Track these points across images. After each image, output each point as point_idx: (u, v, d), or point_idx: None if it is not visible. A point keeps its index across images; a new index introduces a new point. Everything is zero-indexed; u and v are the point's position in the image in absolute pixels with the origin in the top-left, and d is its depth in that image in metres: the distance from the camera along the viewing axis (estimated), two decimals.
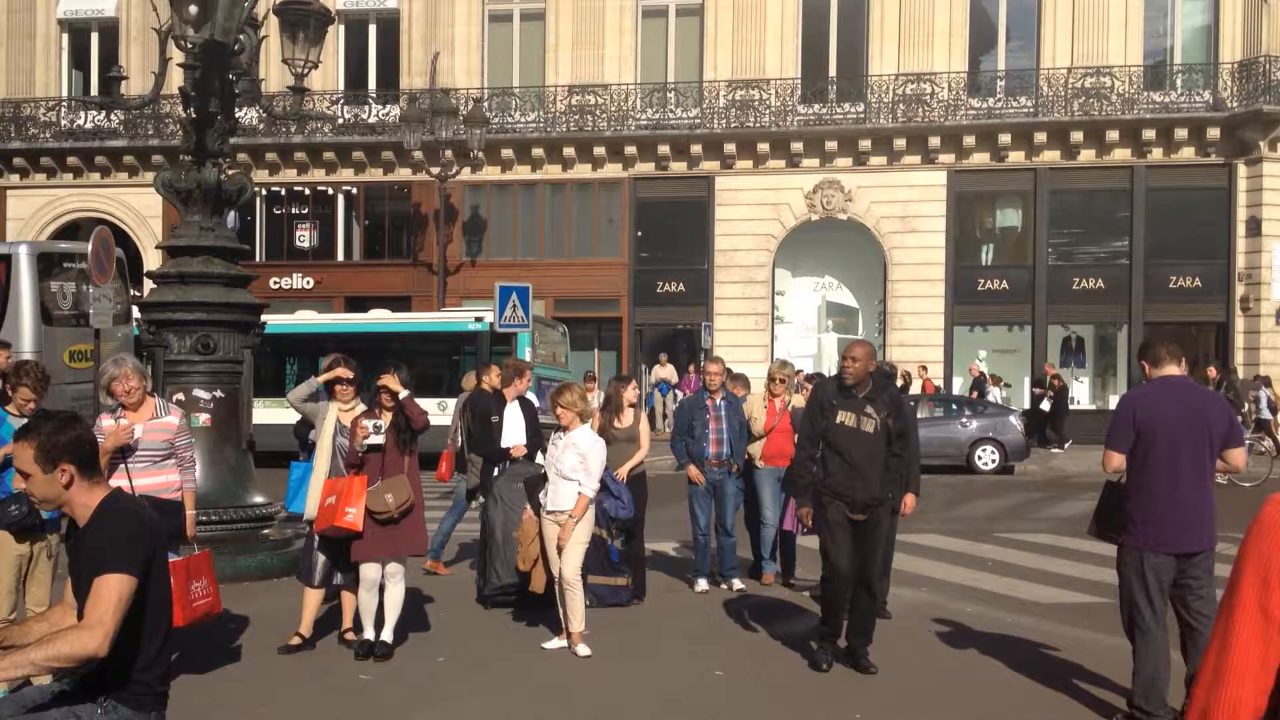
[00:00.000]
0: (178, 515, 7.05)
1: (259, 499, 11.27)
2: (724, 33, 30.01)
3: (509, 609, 9.33)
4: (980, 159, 29.28)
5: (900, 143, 29.16)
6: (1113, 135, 28.36)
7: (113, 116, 31.18)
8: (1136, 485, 6.41)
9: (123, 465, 6.94)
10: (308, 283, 31.36)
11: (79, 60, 32.87)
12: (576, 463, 8.06)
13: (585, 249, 30.93)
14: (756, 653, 8.22)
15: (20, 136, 31.87)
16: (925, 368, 27.71)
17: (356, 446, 7.80)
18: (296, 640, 8.03)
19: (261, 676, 7.44)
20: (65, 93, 32.77)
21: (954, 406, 23.88)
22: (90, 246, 13.34)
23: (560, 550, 8.09)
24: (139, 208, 31.66)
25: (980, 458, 22.34)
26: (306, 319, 25.17)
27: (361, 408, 8.15)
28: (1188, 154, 28.55)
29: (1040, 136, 28.66)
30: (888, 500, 7.72)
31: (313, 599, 8.17)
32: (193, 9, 10.44)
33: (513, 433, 10.28)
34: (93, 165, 31.96)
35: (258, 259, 29.98)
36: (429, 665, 7.77)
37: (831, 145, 29.41)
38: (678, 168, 30.26)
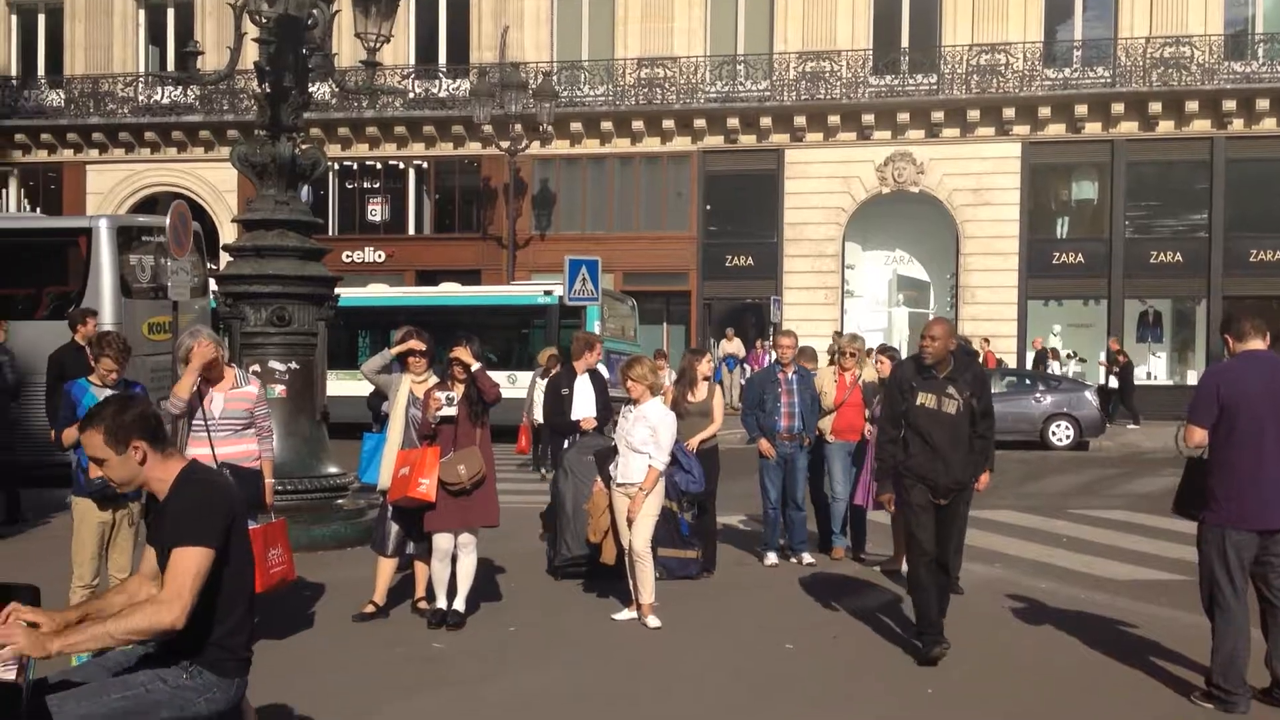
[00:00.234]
0: (257, 484, 7.15)
1: (333, 469, 11.41)
2: (794, 4, 29.75)
3: (579, 580, 9.38)
4: (1056, 130, 28.82)
5: (974, 114, 28.76)
6: (1192, 106, 27.78)
7: (189, 92, 31.59)
8: (1219, 461, 6.29)
9: (205, 434, 7.04)
10: (379, 256, 31.66)
11: (156, 36, 33.31)
12: (647, 435, 8.06)
13: (654, 223, 30.90)
14: (827, 626, 8.19)
15: (99, 112, 32.41)
16: (988, 340, 27.30)
17: (429, 418, 7.86)
18: (370, 608, 8.14)
19: (337, 643, 7.55)
20: (143, 69, 33.25)
21: (1028, 381, 23.54)
22: (168, 220, 13.53)
23: (630, 522, 8.11)
24: (215, 182, 32.11)
25: (1054, 433, 22.04)
26: (378, 292, 25.39)
27: (434, 380, 8.20)
28: (1269, 125, 27.91)
29: (1118, 107, 28.13)
30: (970, 485, 7.50)
31: (386, 568, 8.26)
32: None
33: (582, 405, 10.31)
34: (169, 140, 32.44)
35: (330, 233, 30.28)
36: (500, 635, 7.83)
37: (903, 117, 29.10)
38: (747, 141, 30.09)
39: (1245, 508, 6.20)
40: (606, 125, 30.36)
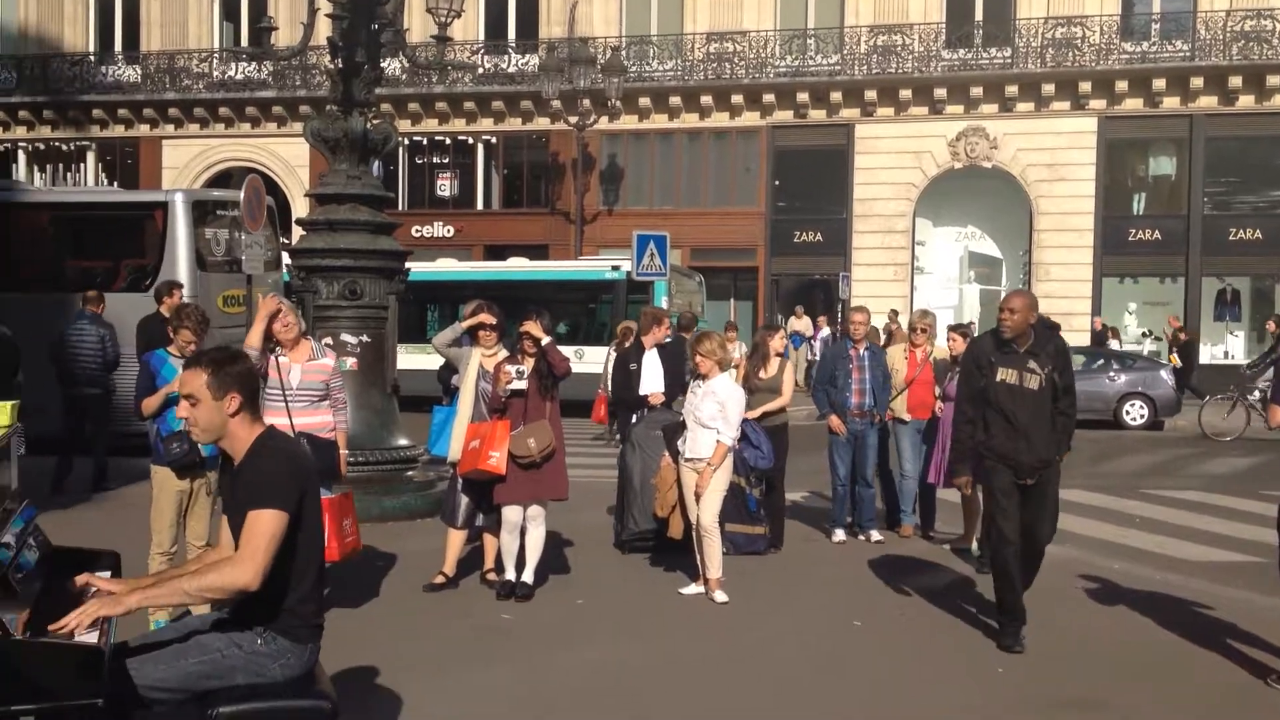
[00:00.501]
0: (332, 454, 7.24)
1: (403, 441, 11.53)
2: None
3: (646, 554, 9.41)
4: (1133, 105, 28.29)
5: (1049, 88, 28.31)
6: (1274, 80, 27.17)
7: (262, 67, 31.93)
8: None
9: (284, 405, 7.13)
10: (448, 231, 31.84)
11: (230, 12, 33.67)
12: (715, 411, 8.05)
13: (722, 198, 30.78)
14: (895, 604, 8.15)
15: (174, 88, 32.87)
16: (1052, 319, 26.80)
17: (499, 391, 7.90)
18: (440, 579, 8.22)
19: (407, 613, 7.64)
20: (217, 45, 33.62)
21: (1101, 360, 23.17)
22: (242, 194, 13.69)
23: (698, 498, 8.11)
24: (287, 157, 32.47)
25: (1129, 412, 21.70)
26: (447, 267, 25.54)
27: (504, 353, 8.24)
28: None
29: (1196, 81, 27.54)
30: (1055, 461, 7.12)
31: (456, 540, 8.34)
32: None
33: (650, 380, 10.31)
34: (243, 115, 32.81)
35: (400, 208, 30.48)
36: (568, 607, 7.88)
37: (977, 91, 28.70)
38: (817, 115, 29.85)
39: None
40: (675, 100, 30.25)
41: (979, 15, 29.28)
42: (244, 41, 32.84)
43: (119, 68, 33.69)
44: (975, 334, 9.76)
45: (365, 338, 11.27)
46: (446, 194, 32.68)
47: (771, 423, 9.70)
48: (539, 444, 7.82)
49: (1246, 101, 27.57)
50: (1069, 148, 28.62)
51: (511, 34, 32.02)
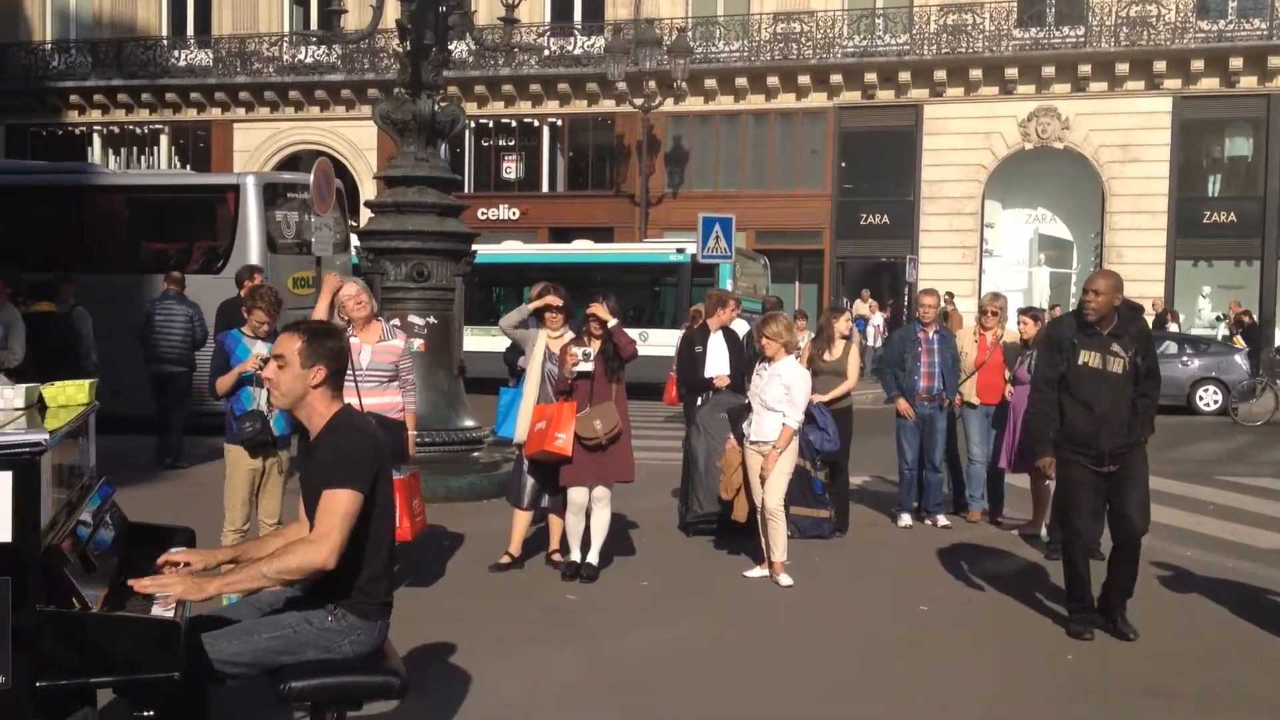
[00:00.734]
0: (401, 435, 7.30)
1: (470, 423, 11.62)
2: None
3: (710, 537, 9.41)
4: (1209, 84, 27.73)
5: (1123, 67, 27.82)
6: None
7: (332, 51, 32.20)
8: None
9: (354, 385, 7.21)
10: (513, 213, 31.96)
11: None
12: (781, 394, 8.02)
13: (787, 180, 30.62)
14: (961, 590, 8.09)
15: (245, 71, 33.25)
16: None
17: (566, 373, 7.92)
18: (506, 559, 8.28)
19: (473, 592, 7.70)
20: (287, 28, 33.96)
21: (1174, 345, 22.78)
22: (311, 177, 13.83)
23: (763, 480, 8.09)
24: (355, 140, 32.75)
25: (1202, 398, 21.34)
26: (513, 249, 25.65)
27: (570, 335, 8.27)
28: None
29: (1275, 60, 26.96)
30: (1139, 445, 6.85)
31: (522, 520, 8.39)
32: None
33: (716, 363, 10.28)
34: (312, 99, 33.13)
35: (466, 190, 30.65)
36: (633, 588, 7.91)
37: (1048, 71, 28.28)
38: (884, 96, 29.58)
39: None
40: (741, 82, 30.10)
41: None
42: (313, 25, 33.16)
43: (191, 51, 34.14)
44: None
45: (432, 319, 11.36)
46: (512, 176, 32.80)
47: (836, 406, 9.66)
48: (605, 426, 7.84)
49: None
50: (1143, 128, 28.12)
51: (577, 16, 32.02)
